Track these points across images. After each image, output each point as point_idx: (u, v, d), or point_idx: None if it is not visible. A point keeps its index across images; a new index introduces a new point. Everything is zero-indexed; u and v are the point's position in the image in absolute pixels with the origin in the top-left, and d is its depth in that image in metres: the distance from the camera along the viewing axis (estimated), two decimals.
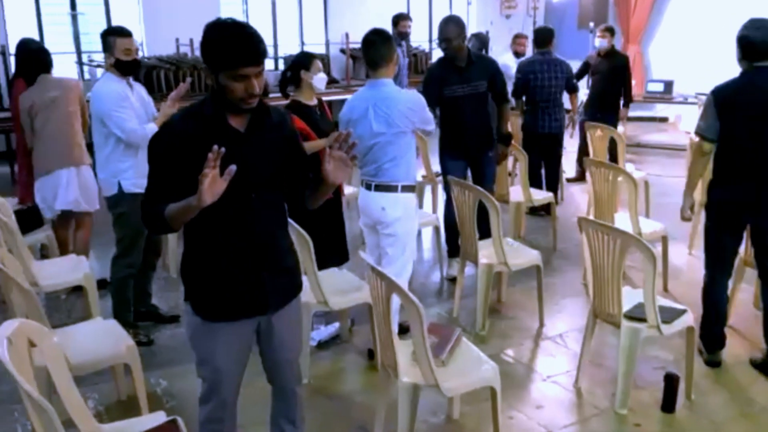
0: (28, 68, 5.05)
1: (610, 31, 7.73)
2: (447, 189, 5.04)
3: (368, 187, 3.91)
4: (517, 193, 6.05)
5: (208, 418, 2.57)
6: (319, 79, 4.35)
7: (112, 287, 4.26)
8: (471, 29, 12.83)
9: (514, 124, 6.86)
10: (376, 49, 3.81)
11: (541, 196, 6.19)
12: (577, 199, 7.60)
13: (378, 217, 3.88)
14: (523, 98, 6.78)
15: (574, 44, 11.57)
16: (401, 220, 3.85)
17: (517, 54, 8.30)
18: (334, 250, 4.50)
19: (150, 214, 2.34)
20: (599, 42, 7.73)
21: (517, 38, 8.52)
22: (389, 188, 3.84)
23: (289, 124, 2.62)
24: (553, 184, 6.88)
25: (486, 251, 4.49)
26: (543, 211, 6.73)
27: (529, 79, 6.57)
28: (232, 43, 2.23)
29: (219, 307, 2.46)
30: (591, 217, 4.45)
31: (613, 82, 7.69)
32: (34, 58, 5.02)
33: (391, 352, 2.97)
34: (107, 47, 4.02)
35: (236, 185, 2.17)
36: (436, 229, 5.49)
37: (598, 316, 3.73)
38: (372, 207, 3.89)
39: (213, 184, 2.11)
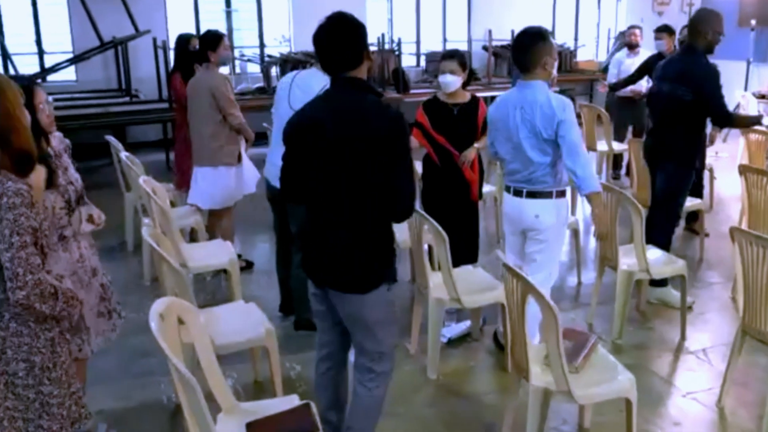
0: (185, 62, 5.36)
1: (667, 30, 6.96)
2: None
3: (518, 194, 3.71)
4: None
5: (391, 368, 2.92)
6: (441, 82, 4.36)
7: (295, 281, 4.29)
8: (620, 27, 12.41)
9: None
10: (523, 52, 3.60)
11: (689, 202, 5.84)
12: (729, 207, 7.15)
13: (530, 225, 3.69)
14: None
15: (733, 44, 10.88)
16: (554, 227, 3.69)
17: (630, 46, 7.89)
18: (466, 250, 4.50)
19: None
20: (656, 44, 7.00)
21: (630, 29, 8.09)
22: (542, 195, 3.65)
23: None
24: (699, 190, 6.48)
25: (627, 257, 4.31)
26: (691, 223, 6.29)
27: None
28: None
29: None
30: (744, 227, 4.17)
31: None
32: (190, 52, 5.32)
33: (524, 354, 2.92)
34: None
35: None
36: (575, 232, 5.34)
37: (747, 333, 3.50)
38: (525, 214, 3.69)
39: None
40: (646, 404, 3.45)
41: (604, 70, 9.28)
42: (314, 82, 3.83)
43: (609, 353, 3.16)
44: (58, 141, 2.69)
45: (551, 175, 3.62)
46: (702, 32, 4.52)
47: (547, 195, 3.65)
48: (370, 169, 2.60)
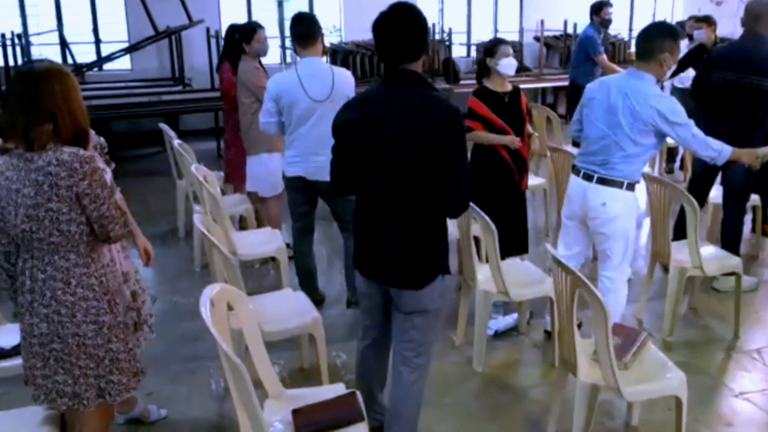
0: (232, 52, 5.41)
1: (707, 20, 6.60)
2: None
3: (587, 178, 3.69)
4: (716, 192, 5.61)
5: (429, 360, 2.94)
6: (505, 65, 4.31)
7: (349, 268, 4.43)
8: (677, 18, 12.12)
9: None
10: (647, 40, 3.56)
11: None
12: None
13: (595, 212, 3.67)
14: None
15: None
16: (620, 219, 3.65)
17: (690, 37, 7.67)
18: (515, 241, 4.47)
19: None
20: (696, 34, 6.64)
21: (690, 20, 7.84)
22: (613, 183, 3.62)
23: None
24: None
25: (680, 253, 4.23)
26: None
27: None
28: None
29: None
30: None
31: None
32: (237, 42, 5.37)
33: (572, 349, 2.89)
34: None
35: None
36: None
37: None
38: (591, 201, 3.67)
39: None
40: (696, 403, 3.38)
41: None
42: (322, 69, 4.11)
43: (659, 350, 3.11)
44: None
45: (628, 165, 3.59)
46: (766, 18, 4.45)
47: (618, 184, 3.62)
48: (427, 166, 2.54)
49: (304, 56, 4.15)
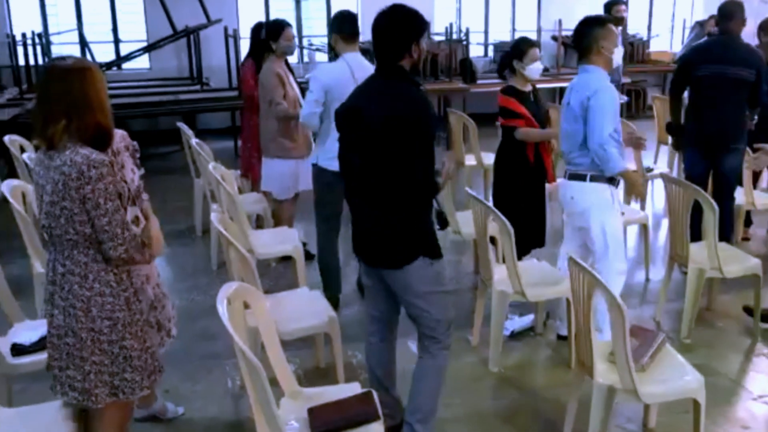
0: (258, 50, 5.43)
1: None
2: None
3: (564, 175, 3.92)
4: (737, 193, 5.55)
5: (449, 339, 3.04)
6: (532, 70, 4.33)
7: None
8: (696, 16, 11.99)
9: None
10: (578, 39, 3.80)
11: (765, 198, 5.64)
12: None
13: (568, 207, 3.90)
14: None
15: None
16: (592, 212, 3.75)
17: (710, 36, 7.58)
18: (536, 236, 4.52)
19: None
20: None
21: (711, 19, 7.73)
22: (579, 177, 3.78)
23: None
24: None
25: (698, 254, 4.19)
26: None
27: None
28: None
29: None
30: None
31: None
32: (262, 40, 5.39)
33: (588, 350, 2.88)
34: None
35: None
36: (644, 227, 5.21)
37: None
38: (564, 196, 3.90)
39: None
40: (714, 406, 3.35)
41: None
42: (365, 63, 4.24)
43: (677, 352, 3.08)
44: (119, 138, 2.62)
45: (587, 157, 3.71)
46: (740, 18, 4.93)
47: (582, 177, 3.76)
48: (392, 148, 2.74)
49: (347, 52, 4.28)
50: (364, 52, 4.41)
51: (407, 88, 2.82)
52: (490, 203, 4.12)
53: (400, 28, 2.79)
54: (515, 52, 4.40)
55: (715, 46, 5.06)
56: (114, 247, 2.38)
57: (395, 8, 2.81)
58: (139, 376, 2.56)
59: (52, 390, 2.56)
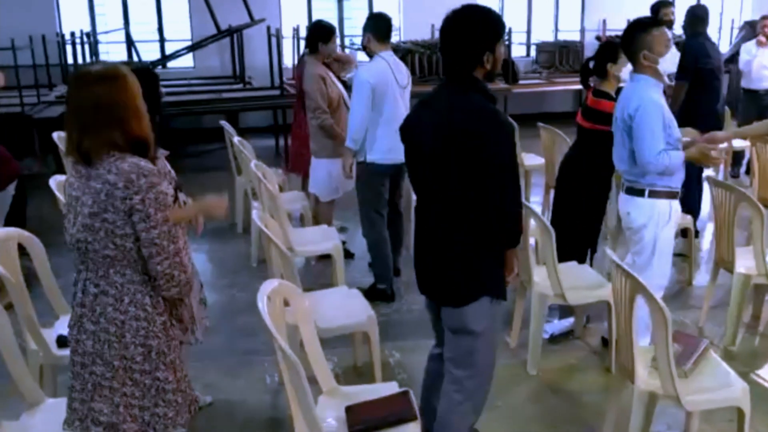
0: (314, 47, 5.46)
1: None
2: None
3: (622, 188, 3.68)
4: None
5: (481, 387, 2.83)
6: (625, 73, 4.21)
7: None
8: (745, 17, 11.75)
9: None
10: (624, 50, 3.64)
11: None
12: None
13: (624, 222, 3.66)
14: None
15: None
16: (648, 229, 3.53)
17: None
18: (590, 238, 4.46)
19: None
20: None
21: (763, 19, 7.56)
22: (636, 192, 3.55)
23: None
24: None
25: (745, 260, 4.10)
26: None
27: None
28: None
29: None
30: None
31: None
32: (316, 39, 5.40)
33: (630, 355, 2.84)
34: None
35: None
36: (685, 231, 5.11)
37: None
38: (621, 210, 3.68)
39: None
40: (758, 415, 3.26)
41: (730, 60, 8.74)
42: (398, 60, 4.57)
43: (721, 359, 3.02)
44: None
45: (638, 168, 3.48)
46: None
47: (639, 192, 3.54)
48: (457, 175, 2.46)
49: (381, 50, 4.46)
50: (395, 50, 4.50)
51: (480, 101, 2.51)
52: (533, 204, 4.07)
53: (475, 33, 2.48)
54: (610, 54, 4.23)
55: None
56: (160, 261, 2.21)
57: (468, 9, 2.51)
58: (173, 412, 2.34)
59: (67, 425, 2.33)
